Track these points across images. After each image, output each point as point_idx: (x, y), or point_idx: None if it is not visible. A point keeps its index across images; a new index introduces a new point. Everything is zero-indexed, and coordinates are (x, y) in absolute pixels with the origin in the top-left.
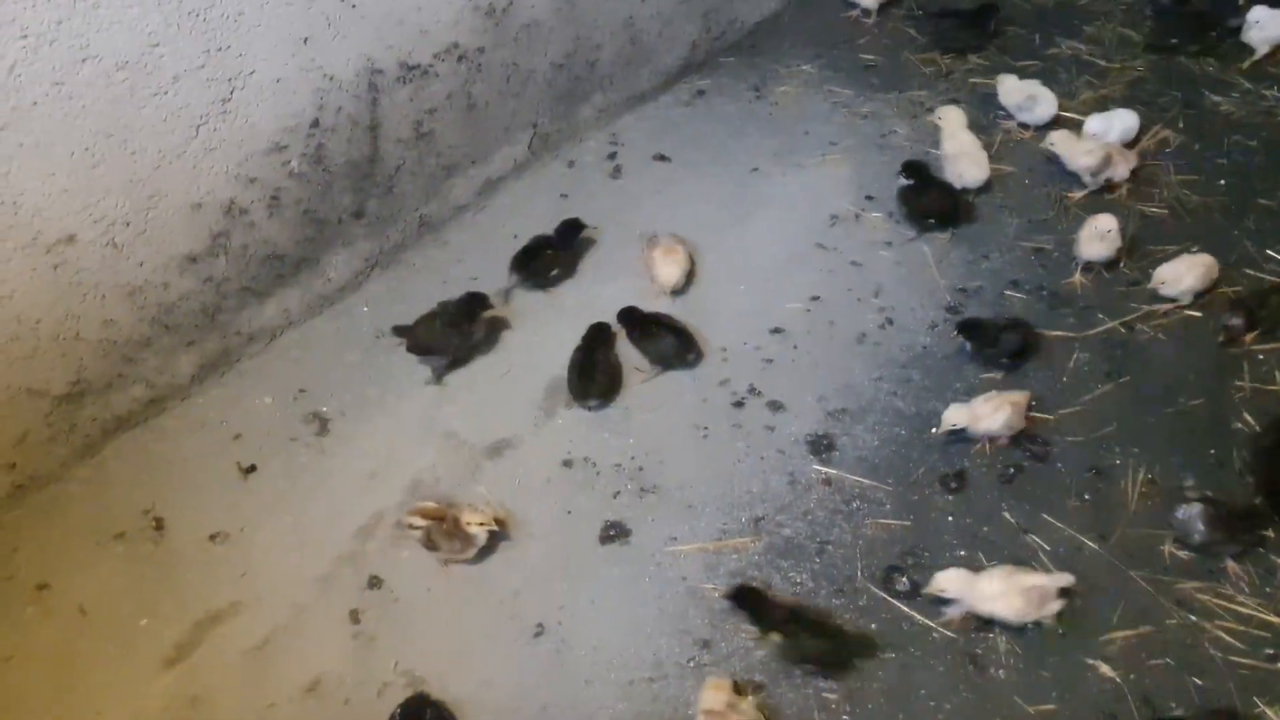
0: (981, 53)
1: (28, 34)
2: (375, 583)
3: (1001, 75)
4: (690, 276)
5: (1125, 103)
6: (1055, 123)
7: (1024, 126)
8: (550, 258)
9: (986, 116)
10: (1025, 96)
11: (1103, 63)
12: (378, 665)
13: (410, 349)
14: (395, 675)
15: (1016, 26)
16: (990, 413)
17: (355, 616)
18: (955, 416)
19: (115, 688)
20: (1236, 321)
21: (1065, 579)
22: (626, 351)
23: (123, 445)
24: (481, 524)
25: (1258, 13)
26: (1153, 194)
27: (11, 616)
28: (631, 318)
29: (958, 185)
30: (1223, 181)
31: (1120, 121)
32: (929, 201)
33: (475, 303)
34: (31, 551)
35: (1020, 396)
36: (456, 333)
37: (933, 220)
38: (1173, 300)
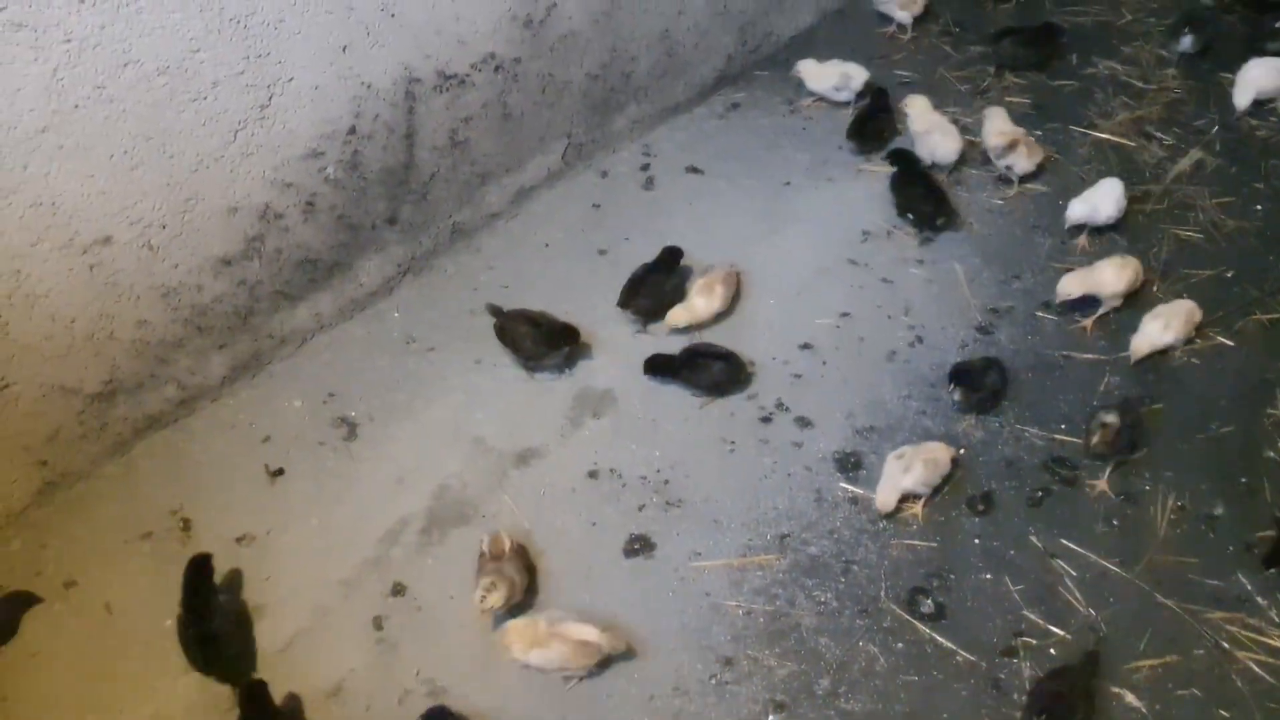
0: (1024, 72)
1: (71, 38)
2: (399, 589)
3: (800, 62)
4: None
5: (1160, 125)
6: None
7: (835, 103)
8: (658, 283)
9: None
10: (840, 75)
11: (1139, 84)
12: (400, 672)
13: (497, 332)
14: (417, 683)
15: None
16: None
17: (379, 623)
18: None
19: (139, 687)
20: (1111, 420)
21: None
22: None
23: (153, 445)
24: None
25: None
26: (1188, 217)
27: (39, 612)
28: (665, 366)
29: (929, 161)
30: (1259, 206)
31: (1106, 196)
32: (911, 196)
33: (568, 334)
34: (60, 548)
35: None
36: (546, 349)
37: (910, 217)
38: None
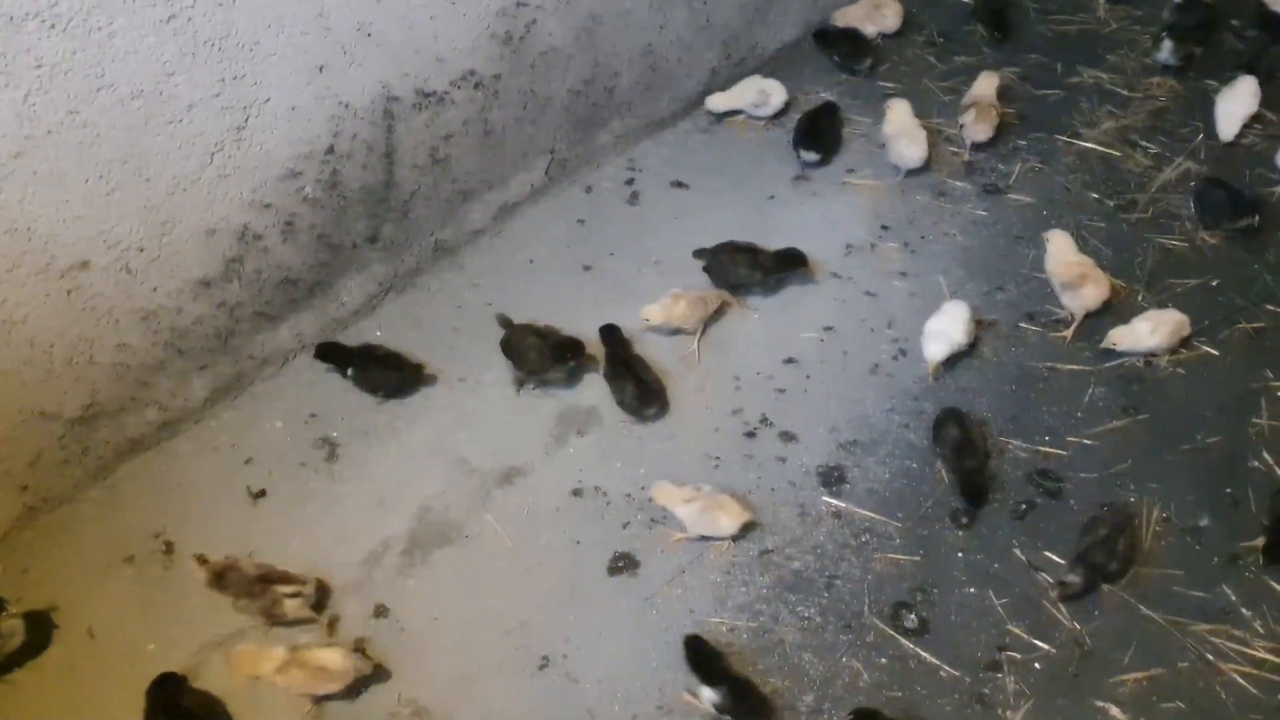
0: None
1: (42, 64)
2: (382, 611)
3: (708, 98)
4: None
5: (1145, 134)
6: (787, 109)
7: (756, 119)
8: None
9: (1006, 145)
10: (758, 92)
11: (1124, 92)
12: (383, 695)
13: (503, 346)
14: (400, 706)
15: (1038, 54)
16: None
17: (360, 645)
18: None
19: (122, 712)
20: (1074, 579)
21: None
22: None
23: (135, 468)
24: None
25: None
26: (1173, 226)
27: None
28: (611, 339)
29: (900, 166)
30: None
31: (955, 320)
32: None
33: (573, 347)
34: (42, 573)
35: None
36: (551, 363)
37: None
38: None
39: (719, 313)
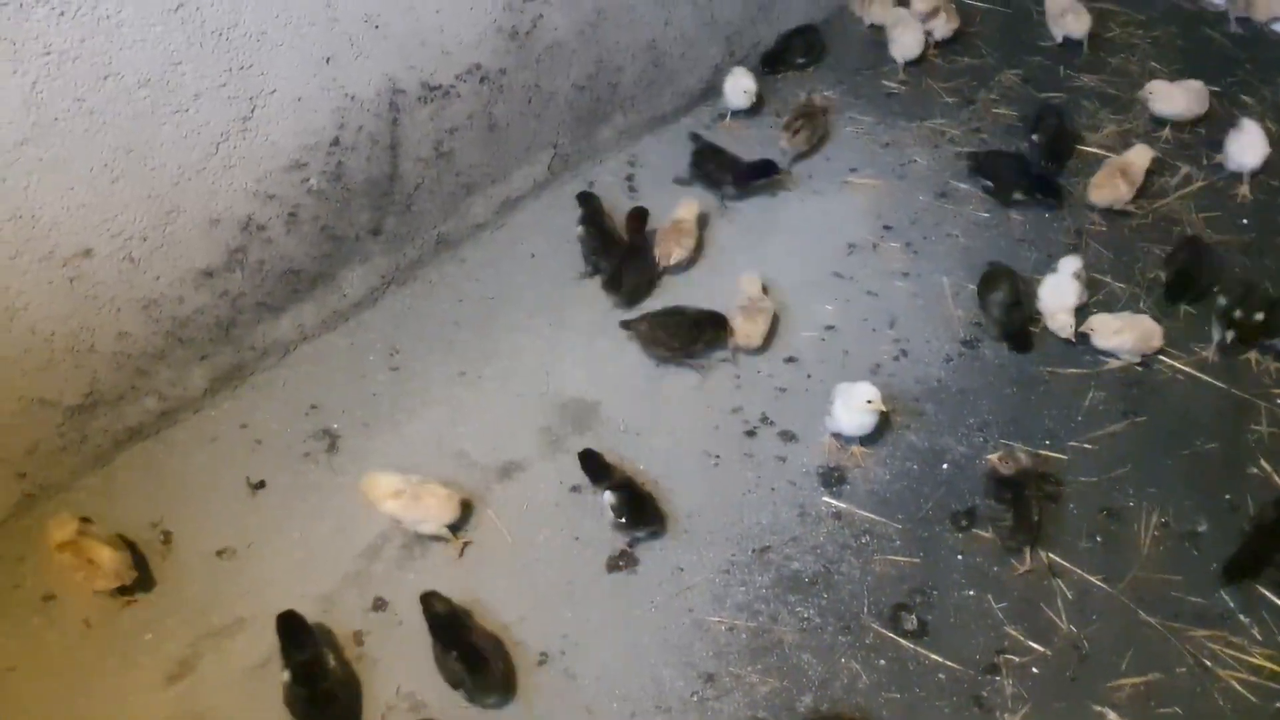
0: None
1: (50, 51)
2: (380, 604)
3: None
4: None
5: (1149, 139)
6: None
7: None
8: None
9: (1009, 148)
10: (742, 92)
11: (1127, 96)
12: (381, 688)
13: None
14: (398, 699)
15: (1041, 58)
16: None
17: (359, 638)
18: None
19: (117, 702)
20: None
21: None
22: None
23: (133, 457)
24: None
25: None
26: (1172, 230)
27: (17, 626)
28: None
29: (898, 60)
30: (1244, 220)
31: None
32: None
33: (715, 321)
34: (39, 561)
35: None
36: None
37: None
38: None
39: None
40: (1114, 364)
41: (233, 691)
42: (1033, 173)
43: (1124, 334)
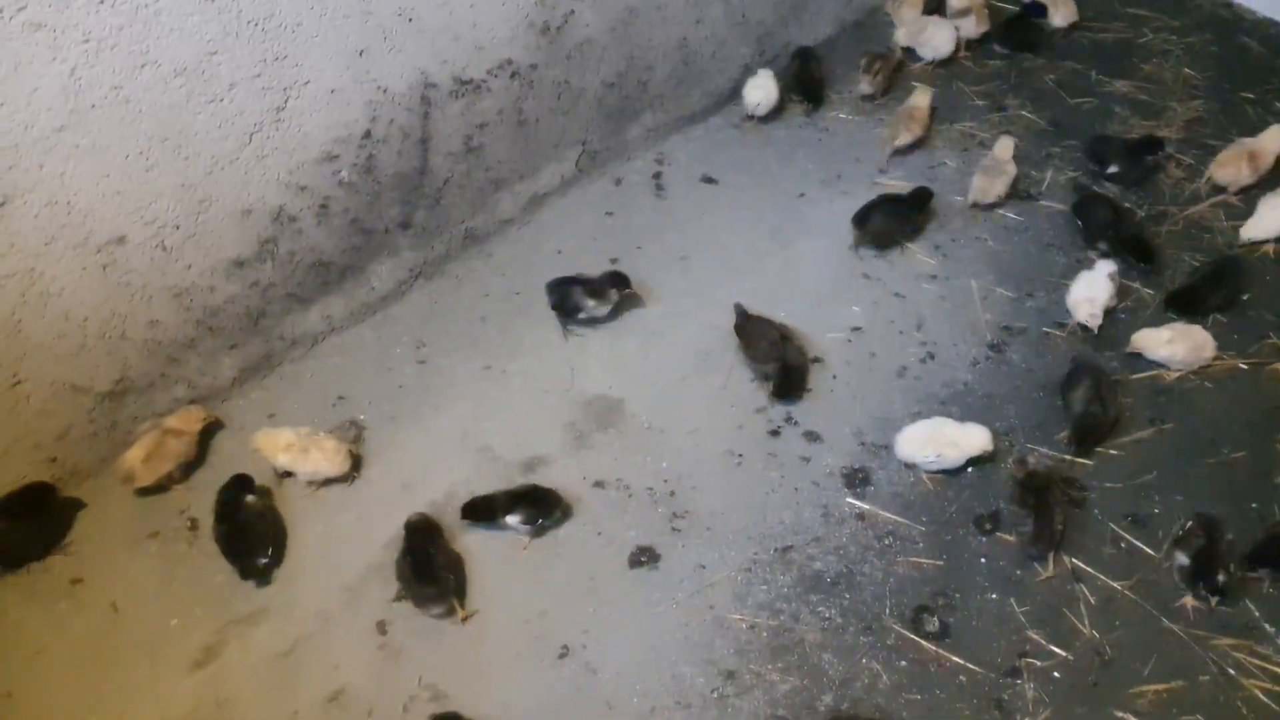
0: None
1: (89, 38)
2: (403, 595)
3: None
4: None
5: (1179, 146)
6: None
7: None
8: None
9: (1039, 152)
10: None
11: (1159, 103)
12: (402, 679)
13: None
14: (419, 689)
15: (1073, 62)
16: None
17: (382, 628)
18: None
19: (143, 687)
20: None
21: None
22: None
23: None
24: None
25: None
26: (1204, 240)
27: (45, 610)
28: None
29: (928, 60)
30: None
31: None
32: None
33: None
34: (67, 546)
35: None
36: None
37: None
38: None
39: None
40: (1142, 372)
41: (256, 679)
42: (1125, 230)
43: (1175, 344)
